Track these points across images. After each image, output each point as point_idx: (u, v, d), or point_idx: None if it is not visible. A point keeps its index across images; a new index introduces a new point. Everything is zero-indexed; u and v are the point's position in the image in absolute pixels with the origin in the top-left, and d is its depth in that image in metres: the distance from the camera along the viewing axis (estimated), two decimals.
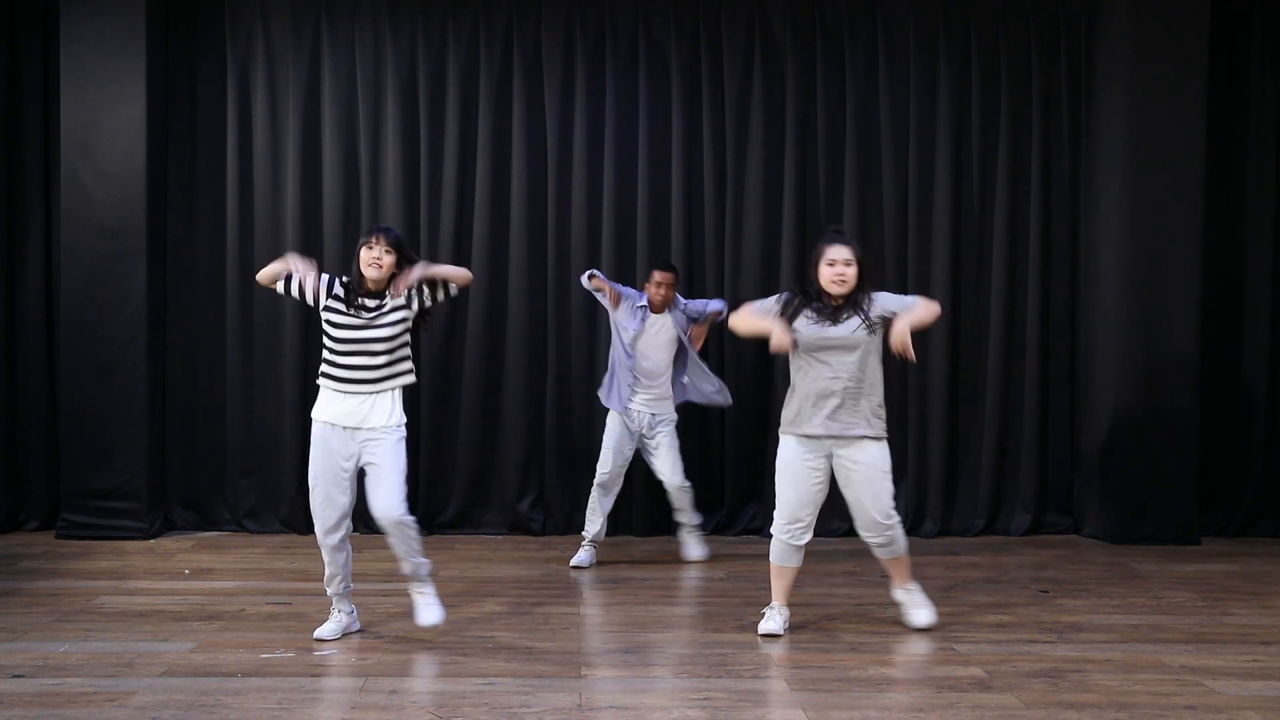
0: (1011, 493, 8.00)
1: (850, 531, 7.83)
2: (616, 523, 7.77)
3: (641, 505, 7.79)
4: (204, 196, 7.88)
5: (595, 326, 7.81)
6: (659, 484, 7.78)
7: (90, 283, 7.49)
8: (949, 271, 7.90)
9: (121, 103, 7.46)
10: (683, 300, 7.07)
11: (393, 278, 5.20)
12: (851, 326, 5.25)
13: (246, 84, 7.85)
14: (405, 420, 5.29)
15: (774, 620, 5.43)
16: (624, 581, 6.61)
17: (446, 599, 6.05)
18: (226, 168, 7.84)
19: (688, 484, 7.00)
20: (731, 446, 7.88)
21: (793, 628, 5.54)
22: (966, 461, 8.02)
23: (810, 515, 5.38)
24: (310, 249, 7.77)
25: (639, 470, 7.79)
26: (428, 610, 5.34)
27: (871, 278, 5.44)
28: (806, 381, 5.31)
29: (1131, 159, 7.60)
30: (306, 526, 7.81)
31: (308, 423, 7.68)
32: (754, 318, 5.35)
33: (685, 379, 6.95)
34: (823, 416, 5.26)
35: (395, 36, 7.82)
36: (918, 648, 5.27)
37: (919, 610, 5.54)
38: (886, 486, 5.34)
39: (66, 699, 4.49)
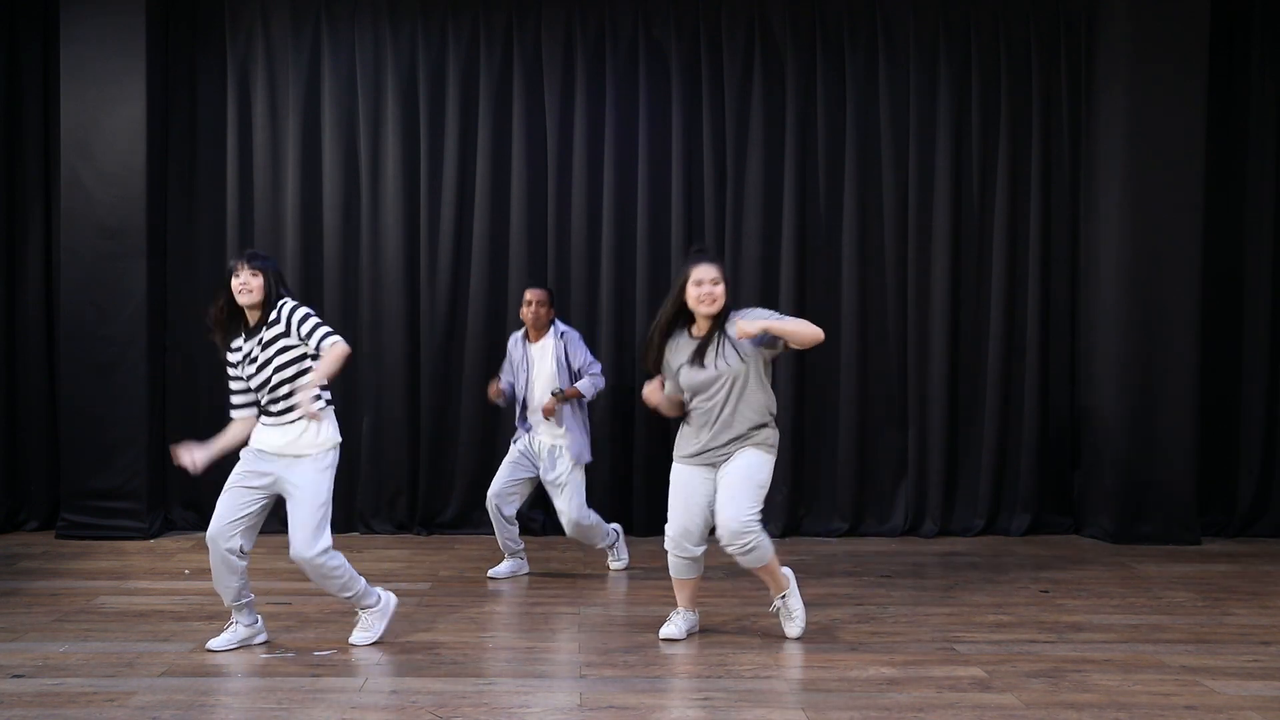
0: (1011, 493, 8.00)
1: (850, 532, 7.89)
2: (616, 523, 7.77)
3: (640, 505, 7.79)
4: (204, 196, 7.88)
5: (594, 327, 7.81)
6: (659, 484, 7.78)
7: (90, 283, 7.49)
8: (949, 271, 7.90)
9: (121, 103, 7.46)
10: (565, 328, 6.68)
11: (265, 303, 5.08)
12: (717, 364, 5.12)
13: (246, 84, 7.85)
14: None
15: (676, 625, 5.36)
16: (624, 581, 6.60)
17: (447, 599, 6.06)
18: (226, 168, 7.84)
19: (590, 520, 6.60)
20: None
21: None
22: (966, 461, 8.02)
23: (700, 529, 5.24)
24: (310, 248, 7.81)
25: (638, 472, 7.80)
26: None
27: (734, 298, 5.31)
28: (691, 415, 5.25)
29: (1131, 159, 7.60)
30: None
31: None
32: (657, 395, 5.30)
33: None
34: (703, 442, 5.20)
35: (395, 36, 7.82)
36: (918, 648, 5.27)
37: (789, 623, 5.38)
38: (749, 492, 5.10)
39: (66, 699, 4.49)
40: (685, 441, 5.28)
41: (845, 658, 5.12)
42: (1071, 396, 8.05)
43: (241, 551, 5.10)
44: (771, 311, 5.21)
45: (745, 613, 5.83)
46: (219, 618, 5.66)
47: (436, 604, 5.95)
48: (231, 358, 5.18)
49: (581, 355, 6.61)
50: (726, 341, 5.13)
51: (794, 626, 5.37)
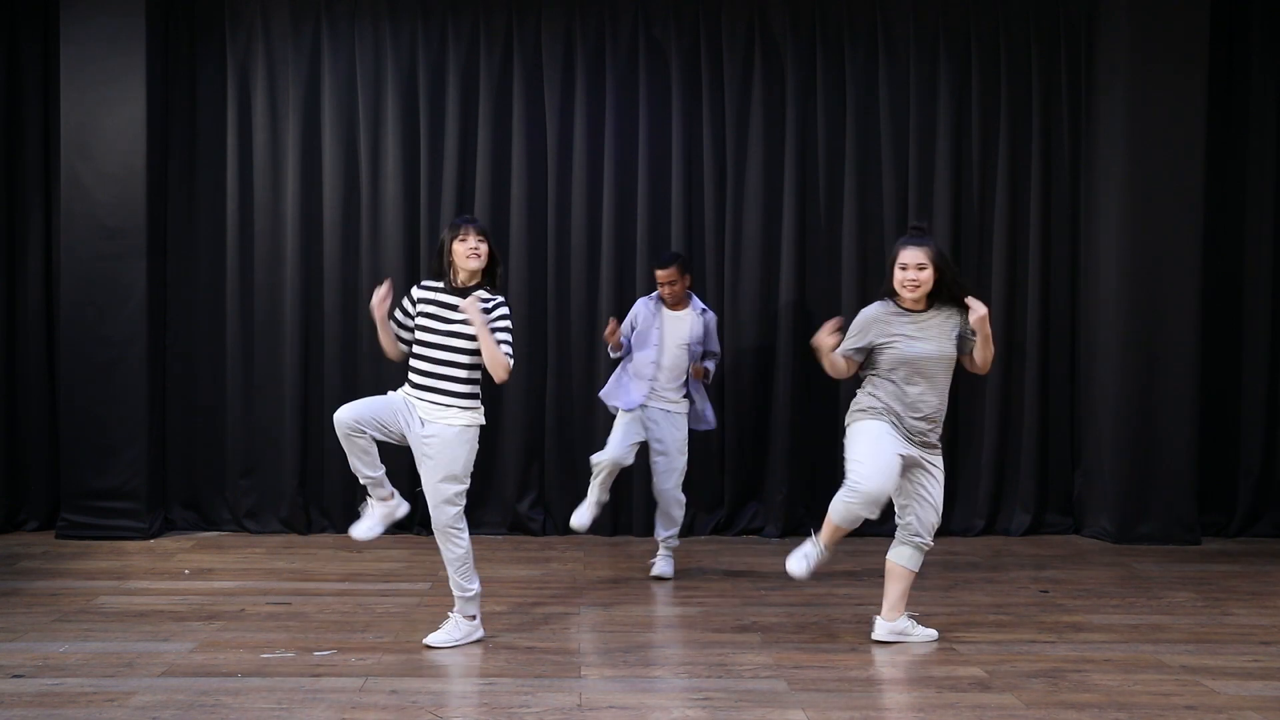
0: (1011, 493, 8.00)
1: (850, 532, 7.87)
2: (616, 523, 7.79)
3: (641, 505, 7.80)
4: (204, 196, 7.88)
5: (595, 326, 7.80)
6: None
7: (90, 283, 7.49)
8: None
9: (121, 103, 7.46)
10: (705, 307, 6.72)
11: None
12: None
13: (246, 84, 7.85)
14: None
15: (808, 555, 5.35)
16: (624, 581, 6.60)
17: (447, 599, 6.06)
18: (226, 168, 7.84)
19: (681, 496, 6.70)
20: (731, 446, 7.88)
21: (793, 628, 5.54)
22: (966, 461, 8.02)
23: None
24: (310, 248, 7.80)
25: (639, 470, 7.80)
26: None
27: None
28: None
29: (1131, 159, 7.60)
30: (306, 526, 7.83)
31: (308, 423, 7.81)
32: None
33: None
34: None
35: (395, 36, 7.82)
36: (918, 648, 5.27)
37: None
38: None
39: (66, 699, 4.49)
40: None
41: (845, 658, 5.12)
42: (1071, 396, 8.04)
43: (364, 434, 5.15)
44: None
45: (745, 613, 5.83)
46: (219, 617, 5.66)
47: (436, 604, 5.95)
48: (423, 301, 5.28)
49: (713, 342, 6.73)
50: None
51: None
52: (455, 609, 5.28)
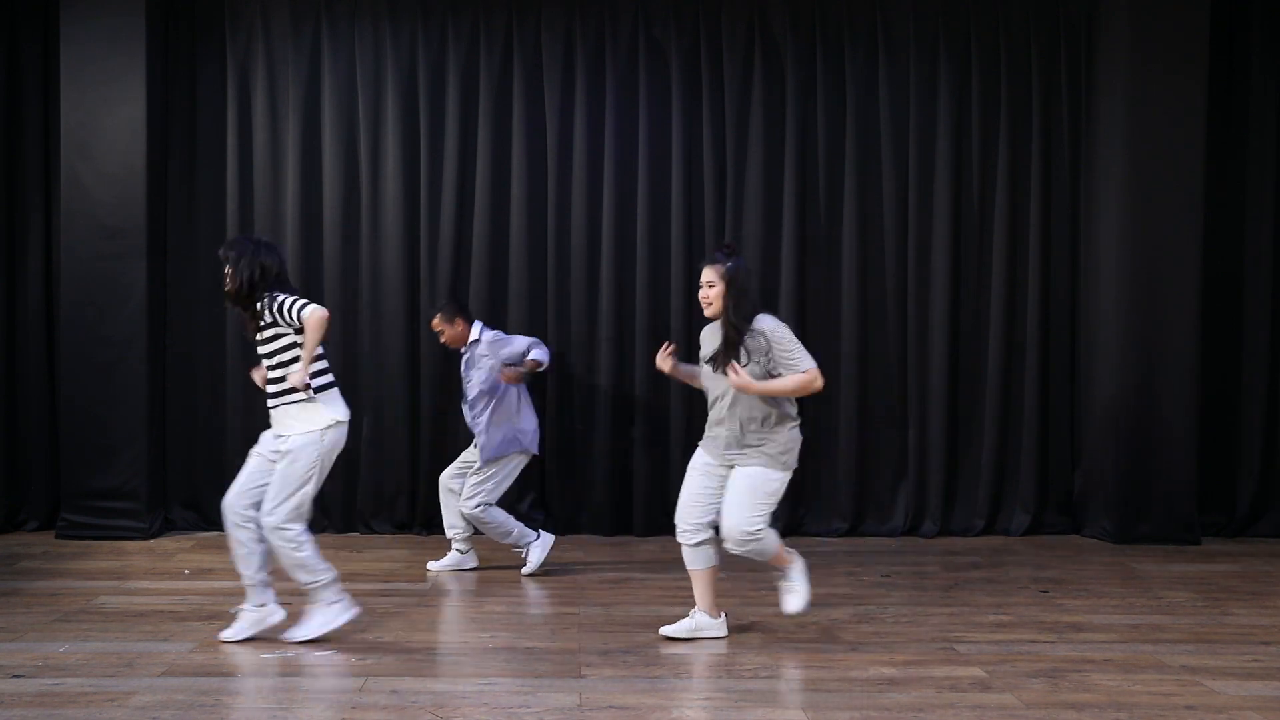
0: (1011, 493, 8.00)
1: (850, 532, 7.90)
2: (616, 523, 7.79)
3: (641, 505, 7.80)
4: (204, 196, 7.88)
5: (594, 327, 7.81)
6: (659, 484, 7.80)
7: (90, 283, 7.49)
8: (949, 271, 7.90)
9: (121, 103, 7.46)
10: (477, 335, 6.74)
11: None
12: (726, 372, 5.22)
13: (246, 84, 7.85)
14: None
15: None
16: (624, 581, 6.61)
17: (447, 599, 6.07)
18: (226, 168, 7.84)
19: (486, 517, 6.62)
20: None
21: (793, 627, 5.54)
22: (966, 461, 8.02)
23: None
24: (310, 248, 7.81)
25: (639, 470, 7.81)
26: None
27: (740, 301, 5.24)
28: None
29: (1131, 159, 7.60)
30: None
31: None
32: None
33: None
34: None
35: (395, 36, 7.82)
36: (918, 648, 5.27)
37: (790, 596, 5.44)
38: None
39: (66, 699, 4.49)
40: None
41: (845, 658, 5.12)
42: (1071, 396, 8.04)
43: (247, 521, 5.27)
44: (788, 336, 5.24)
45: (745, 613, 5.83)
46: (219, 618, 5.66)
47: (436, 604, 5.96)
48: None
49: (508, 349, 6.66)
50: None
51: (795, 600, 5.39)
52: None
